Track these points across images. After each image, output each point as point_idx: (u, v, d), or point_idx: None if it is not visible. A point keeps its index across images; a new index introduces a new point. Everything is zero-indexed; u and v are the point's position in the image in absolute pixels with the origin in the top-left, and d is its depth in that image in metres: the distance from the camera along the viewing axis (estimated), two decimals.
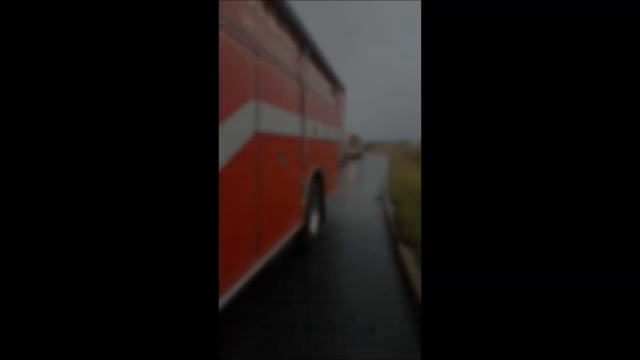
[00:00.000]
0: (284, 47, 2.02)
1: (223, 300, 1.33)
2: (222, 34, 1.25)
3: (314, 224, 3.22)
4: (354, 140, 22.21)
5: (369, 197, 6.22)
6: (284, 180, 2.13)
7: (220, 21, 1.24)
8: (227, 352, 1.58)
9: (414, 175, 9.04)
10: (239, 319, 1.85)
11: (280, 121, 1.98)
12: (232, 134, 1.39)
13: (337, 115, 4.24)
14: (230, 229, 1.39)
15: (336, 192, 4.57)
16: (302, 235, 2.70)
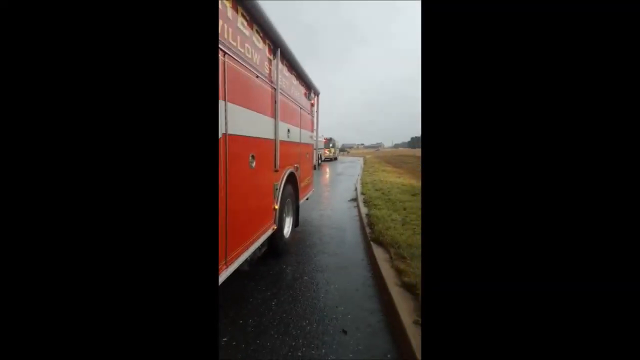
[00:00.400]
0: (254, 48, 1.99)
1: None
2: None
3: (287, 227, 3.19)
4: (329, 143, 22.42)
5: (343, 199, 6.29)
6: (255, 183, 2.09)
7: None
8: None
9: (386, 176, 9.29)
10: None
11: (251, 123, 1.94)
12: None
13: (311, 118, 4.26)
14: None
15: (311, 195, 4.56)
16: (275, 239, 2.66)
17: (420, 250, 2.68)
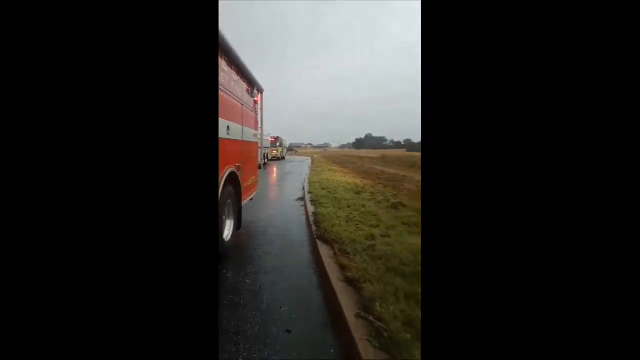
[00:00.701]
0: None
1: None
2: None
3: (228, 230, 3.03)
4: (277, 142, 22.13)
5: (290, 198, 6.25)
6: None
7: None
8: None
9: (332, 175, 9.53)
10: None
11: None
12: None
13: (255, 116, 4.12)
14: None
15: (258, 195, 4.42)
16: None
17: (362, 245, 2.80)
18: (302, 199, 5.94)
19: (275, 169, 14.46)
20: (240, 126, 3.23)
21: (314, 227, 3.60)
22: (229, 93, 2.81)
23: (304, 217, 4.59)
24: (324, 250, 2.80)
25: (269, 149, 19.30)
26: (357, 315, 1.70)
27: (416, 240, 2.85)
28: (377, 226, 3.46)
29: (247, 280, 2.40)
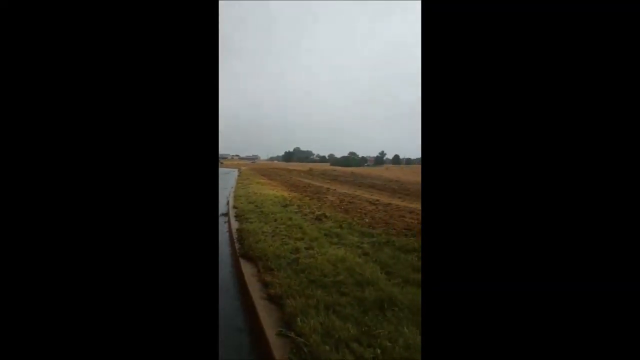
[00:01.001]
0: None
1: None
2: None
3: None
4: None
5: None
6: None
7: None
8: None
9: (260, 189, 9.35)
10: None
11: None
12: None
13: None
14: None
15: None
16: None
17: (286, 260, 2.80)
18: (226, 214, 5.62)
19: None
20: None
21: (237, 245, 3.44)
22: None
23: (227, 234, 4.35)
24: (246, 269, 2.70)
25: None
26: (279, 334, 1.68)
27: (336, 251, 3.01)
28: (302, 239, 3.52)
29: None
